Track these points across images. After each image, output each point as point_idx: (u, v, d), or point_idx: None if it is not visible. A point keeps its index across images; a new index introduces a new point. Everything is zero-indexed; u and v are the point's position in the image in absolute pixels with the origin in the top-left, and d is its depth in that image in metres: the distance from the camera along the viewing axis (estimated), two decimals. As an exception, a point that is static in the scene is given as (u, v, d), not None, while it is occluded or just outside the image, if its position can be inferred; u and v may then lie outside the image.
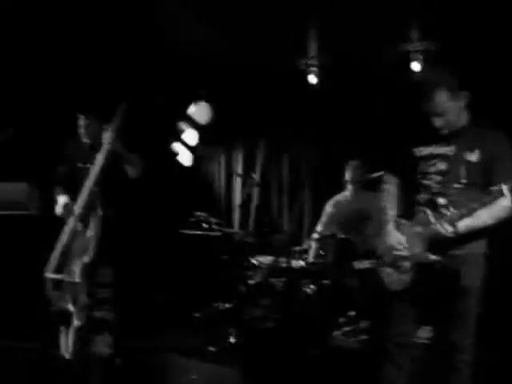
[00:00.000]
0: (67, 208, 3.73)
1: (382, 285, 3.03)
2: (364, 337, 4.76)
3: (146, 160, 3.90)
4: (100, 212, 3.56)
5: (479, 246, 2.91)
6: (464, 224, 2.72)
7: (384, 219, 3.10)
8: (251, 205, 7.06)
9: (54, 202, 3.90)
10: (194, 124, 6.72)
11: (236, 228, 6.98)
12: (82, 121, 3.87)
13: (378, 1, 4.55)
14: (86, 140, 3.91)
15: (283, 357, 4.35)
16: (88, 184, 3.61)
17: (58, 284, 3.62)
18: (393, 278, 2.98)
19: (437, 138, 2.92)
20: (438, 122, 2.87)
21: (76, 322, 3.50)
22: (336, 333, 4.96)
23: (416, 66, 5.55)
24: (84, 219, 3.62)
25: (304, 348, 4.50)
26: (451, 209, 2.73)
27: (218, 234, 5.66)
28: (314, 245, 5.38)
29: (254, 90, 6.36)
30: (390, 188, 3.19)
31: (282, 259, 4.95)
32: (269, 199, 7.01)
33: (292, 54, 5.94)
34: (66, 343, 3.57)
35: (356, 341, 4.85)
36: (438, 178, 2.88)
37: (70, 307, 3.53)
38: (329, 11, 4.76)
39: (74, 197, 3.74)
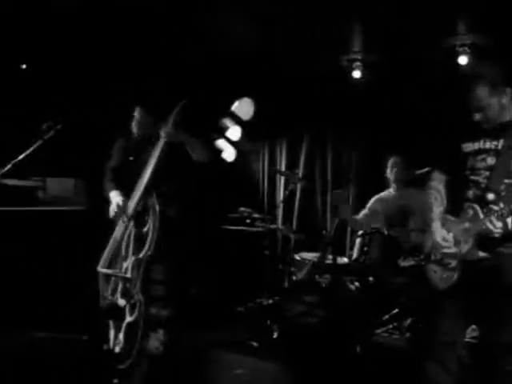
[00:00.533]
0: (122, 204, 3.71)
1: (429, 283, 2.99)
2: (408, 335, 4.71)
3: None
4: (157, 208, 3.52)
5: None
6: None
7: (430, 217, 3.06)
8: (295, 201, 7.06)
9: (105, 197, 3.91)
10: (238, 120, 6.74)
11: (279, 224, 6.99)
12: (136, 113, 3.87)
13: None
14: (138, 133, 3.91)
15: (325, 353, 4.34)
16: (144, 179, 3.59)
17: (109, 279, 3.67)
18: (439, 276, 2.93)
19: (485, 132, 2.87)
20: (478, 116, 2.84)
21: (128, 318, 3.52)
22: (379, 330, 4.94)
23: (463, 60, 5.44)
24: (138, 215, 3.61)
25: (346, 345, 4.48)
26: (500, 204, 2.68)
27: (262, 229, 5.68)
28: (358, 241, 5.35)
29: (297, 86, 6.34)
30: (437, 185, 3.14)
31: (327, 255, 4.94)
32: (312, 195, 7.00)
33: (336, 50, 5.89)
34: (116, 337, 3.60)
35: (399, 339, 4.81)
36: (487, 173, 2.82)
37: (121, 302, 3.55)
38: (373, 6, 4.71)
39: (125, 192, 3.75)
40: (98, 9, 4.67)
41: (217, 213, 6.36)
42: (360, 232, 5.24)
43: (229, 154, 6.85)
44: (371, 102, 6.21)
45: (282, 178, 7.12)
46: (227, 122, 6.75)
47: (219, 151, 6.80)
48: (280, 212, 7.12)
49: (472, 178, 2.89)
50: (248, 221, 5.90)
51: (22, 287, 4.51)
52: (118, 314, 3.58)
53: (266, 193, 7.38)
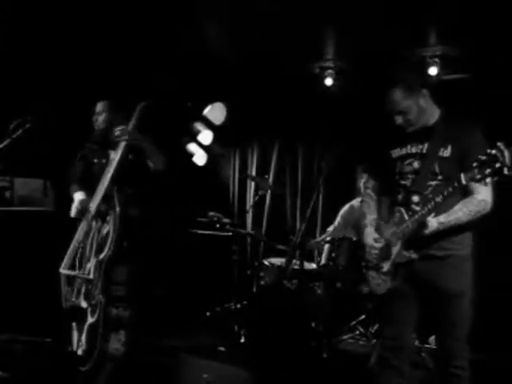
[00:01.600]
0: (83, 205, 3.71)
1: (370, 289, 3.03)
2: (374, 341, 4.76)
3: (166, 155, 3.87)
4: (118, 209, 3.50)
5: (463, 247, 2.88)
6: (437, 220, 2.72)
7: (364, 223, 3.14)
8: (264, 206, 7.08)
9: (70, 198, 3.88)
10: (209, 124, 6.74)
11: (249, 229, 7.00)
12: (98, 107, 3.88)
13: (395, 5, 4.55)
14: (97, 128, 3.90)
15: (292, 358, 4.36)
16: (105, 180, 3.57)
17: (71, 280, 3.63)
18: (376, 282, 2.97)
19: (411, 138, 2.94)
20: (398, 120, 2.91)
21: (90, 319, 3.49)
22: (346, 336, 4.98)
23: (433, 71, 5.53)
24: (100, 216, 3.59)
25: (313, 350, 4.51)
26: (421, 205, 2.75)
27: (231, 234, 5.68)
28: (326, 247, 5.39)
29: (268, 92, 6.37)
30: (370, 192, 3.23)
31: (294, 261, 4.96)
32: (282, 200, 7.02)
33: (307, 57, 5.94)
34: (79, 339, 3.57)
35: (366, 345, 4.86)
36: (414, 176, 2.89)
37: (83, 303, 3.52)
38: (346, 14, 4.77)
39: (90, 193, 3.72)
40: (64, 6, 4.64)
41: (186, 217, 6.34)
42: (329, 238, 5.29)
43: (200, 157, 6.84)
44: (342, 109, 6.26)
45: (253, 183, 7.13)
46: (199, 125, 6.74)
47: (190, 155, 6.79)
48: (250, 217, 7.13)
49: (401, 182, 2.95)
50: (217, 225, 5.89)
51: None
52: (80, 315, 3.54)
53: (236, 197, 7.38)
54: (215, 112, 6.74)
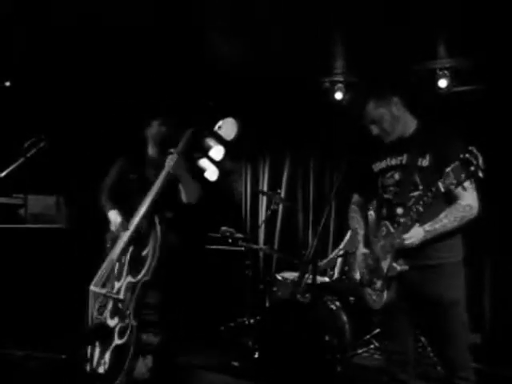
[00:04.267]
0: (122, 223, 3.63)
1: (368, 305, 3.00)
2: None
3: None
4: (159, 234, 3.42)
5: (454, 255, 2.86)
6: (423, 229, 2.70)
7: (358, 239, 3.13)
8: (277, 220, 7.08)
9: (103, 214, 3.81)
10: (221, 140, 6.77)
11: (261, 244, 7.00)
12: (155, 125, 3.87)
13: (404, 19, 4.57)
14: (152, 145, 3.90)
15: (306, 372, 4.33)
16: (146, 202, 3.51)
17: (99, 297, 3.58)
18: (372, 298, 2.95)
19: (390, 150, 2.94)
20: (374, 130, 2.94)
21: (117, 340, 3.44)
22: (360, 350, 4.95)
23: (443, 83, 5.54)
24: (138, 237, 3.52)
25: (327, 365, 4.48)
26: (405, 217, 2.73)
27: (243, 249, 5.68)
28: (339, 261, 5.37)
29: (279, 107, 6.40)
30: (356, 208, 3.24)
31: (307, 275, 4.95)
32: (294, 215, 7.02)
33: (318, 72, 5.97)
34: (101, 357, 3.51)
35: (380, 359, 4.82)
36: (396, 189, 2.89)
37: (110, 322, 3.48)
38: (355, 28, 4.80)
39: (124, 211, 3.69)
40: (83, 27, 4.70)
41: (199, 232, 6.35)
42: (342, 252, 5.27)
43: (211, 173, 6.86)
44: (353, 123, 6.26)
45: (265, 198, 7.14)
46: (210, 141, 6.77)
47: (202, 170, 6.82)
48: (262, 232, 7.13)
49: (384, 196, 2.95)
50: (230, 240, 5.89)
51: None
52: (106, 334, 3.49)
53: (248, 212, 7.39)
54: (226, 127, 6.77)
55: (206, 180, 6.80)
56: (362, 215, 3.20)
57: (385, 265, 2.84)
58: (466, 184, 2.45)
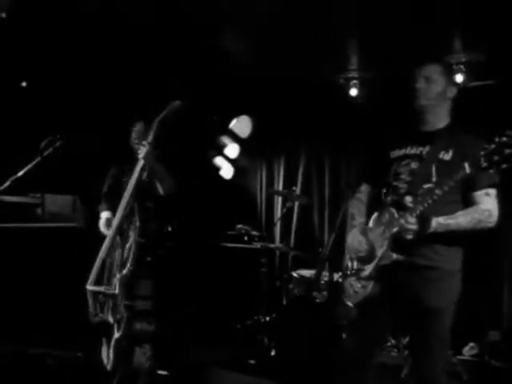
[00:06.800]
0: (107, 222, 3.80)
1: (343, 299, 2.94)
2: (406, 352, 4.70)
3: (181, 177, 3.90)
4: (137, 224, 3.54)
5: (450, 262, 2.75)
6: (435, 220, 2.60)
7: (351, 223, 3.06)
8: (292, 218, 7.07)
9: (98, 217, 3.94)
10: (236, 138, 6.78)
11: (277, 241, 6.99)
12: (137, 126, 3.85)
13: (420, 13, 4.53)
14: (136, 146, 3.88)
15: (323, 370, 4.32)
16: (125, 196, 3.60)
17: (98, 296, 3.64)
18: (354, 289, 2.86)
19: (413, 139, 2.87)
20: (419, 84, 2.82)
21: (116, 334, 3.52)
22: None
23: (459, 78, 5.49)
24: (123, 232, 3.62)
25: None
26: (415, 203, 2.63)
27: (259, 247, 5.68)
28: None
29: (294, 104, 6.38)
30: (361, 196, 3.14)
31: (324, 272, 4.94)
32: (310, 212, 7.00)
33: (333, 68, 5.95)
34: (108, 355, 3.60)
35: (397, 356, 4.80)
36: (409, 178, 2.81)
37: (110, 319, 3.55)
38: (370, 24, 4.77)
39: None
40: (99, 25, 4.72)
41: (214, 230, 6.36)
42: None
43: (227, 171, 6.88)
44: (368, 119, 6.24)
45: (280, 195, 7.12)
46: (225, 139, 6.79)
47: (217, 168, 6.83)
48: (278, 229, 7.12)
49: (394, 183, 2.86)
50: (246, 238, 5.90)
51: (18, 303, 4.51)
52: (108, 330, 3.57)
53: (263, 210, 7.38)
54: (241, 125, 6.78)
55: (222, 178, 6.84)
56: (365, 204, 3.11)
57: (379, 252, 2.74)
58: (491, 190, 2.38)
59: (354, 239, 2.94)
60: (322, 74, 5.94)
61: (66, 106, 5.44)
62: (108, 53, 5.14)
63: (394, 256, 2.68)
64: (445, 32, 4.94)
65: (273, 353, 4.85)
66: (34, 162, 3.79)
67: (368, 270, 2.79)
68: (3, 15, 4.28)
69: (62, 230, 4.96)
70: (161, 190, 3.82)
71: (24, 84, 5.39)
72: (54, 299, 4.62)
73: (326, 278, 4.88)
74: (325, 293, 4.92)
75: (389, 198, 2.86)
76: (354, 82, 6.09)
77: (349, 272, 2.93)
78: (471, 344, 4.91)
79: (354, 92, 6.11)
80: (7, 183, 3.72)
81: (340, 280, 5.08)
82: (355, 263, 2.91)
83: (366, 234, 2.90)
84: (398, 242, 2.69)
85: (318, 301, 4.89)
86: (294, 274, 5.30)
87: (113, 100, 5.45)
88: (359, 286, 2.83)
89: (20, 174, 3.76)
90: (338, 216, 4.62)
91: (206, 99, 5.95)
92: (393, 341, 4.96)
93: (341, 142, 6.66)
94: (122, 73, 5.38)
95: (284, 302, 5.46)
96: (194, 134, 6.07)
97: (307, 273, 5.23)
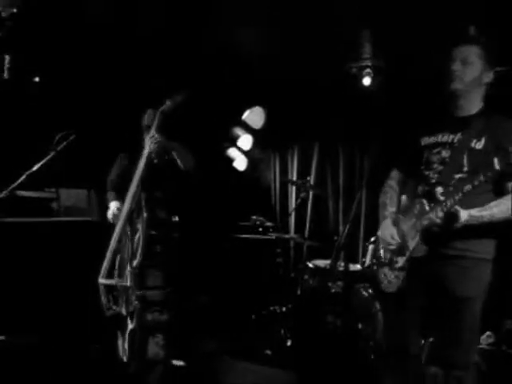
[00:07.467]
0: (115, 213, 3.79)
1: (378, 287, 2.92)
2: (422, 342, 4.68)
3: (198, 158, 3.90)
4: (145, 214, 3.53)
5: (481, 251, 2.71)
6: (468, 213, 2.56)
7: (383, 214, 3.01)
8: (307, 208, 7.06)
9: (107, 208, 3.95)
10: (249, 129, 6.77)
11: (292, 232, 6.99)
12: (150, 114, 3.85)
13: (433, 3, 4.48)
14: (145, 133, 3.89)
15: (339, 360, 4.33)
16: (132, 187, 3.56)
17: (110, 289, 3.64)
18: (389, 279, 2.86)
19: (444, 126, 2.81)
20: (455, 66, 2.72)
21: (130, 326, 3.55)
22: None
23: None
24: (132, 222, 3.62)
25: (360, 352, 4.47)
26: (446, 196, 2.60)
27: (274, 237, 5.69)
28: (370, 247, 5.33)
29: (306, 94, 6.36)
30: (393, 184, 3.09)
31: (339, 262, 4.93)
32: (325, 202, 6.99)
33: (345, 57, 5.91)
34: (123, 346, 3.63)
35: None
36: (440, 167, 2.76)
37: (123, 311, 3.57)
38: (383, 13, 4.72)
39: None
40: (111, 24, 4.73)
41: (229, 221, 6.37)
42: (373, 238, 5.23)
43: (240, 162, 6.88)
44: (382, 108, 6.20)
45: (294, 186, 7.12)
46: (238, 130, 6.78)
47: (231, 160, 6.84)
48: (292, 220, 7.12)
49: (425, 172, 2.82)
50: (260, 229, 5.90)
51: (35, 296, 4.55)
52: (122, 323, 3.60)
53: (277, 201, 7.38)
54: (254, 116, 6.77)
55: (235, 169, 6.84)
56: (397, 192, 3.06)
57: (411, 244, 2.74)
58: None
59: (387, 231, 2.91)
60: (335, 63, 5.90)
61: (80, 101, 5.45)
62: (119, 45, 5.14)
63: (426, 249, 2.69)
64: (456, 20, 4.87)
65: (289, 343, 4.86)
66: (48, 157, 3.81)
67: (401, 261, 2.80)
68: (14, 10, 4.29)
69: (77, 224, 4.99)
70: (181, 166, 3.81)
71: (37, 79, 5.41)
72: (69, 293, 4.65)
73: (341, 268, 4.88)
74: (340, 282, 4.92)
75: (420, 188, 2.83)
76: (367, 70, 6.05)
77: (382, 261, 2.93)
78: (488, 333, 4.87)
79: (367, 81, 6.07)
80: (22, 178, 3.75)
81: (355, 269, 5.11)
82: (388, 253, 2.91)
83: (398, 225, 2.88)
84: (430, 234, 2.68)
85: (333, 291, 4.89)
86: (309, 265, 5.30)
87: (125, 91, 5.46)
88: (393, 276, 2.84)
89: (35, 168, 3.79)
90: (352, 206, 4.63)
91: (218, 91, 5.95)
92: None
93: (354, 132, 6.63)
94: (134, 63, 5.39)
95: (299, 293, 5.46)
96: (206, 125, 6.07)
97: (322, 263, 5.23)
